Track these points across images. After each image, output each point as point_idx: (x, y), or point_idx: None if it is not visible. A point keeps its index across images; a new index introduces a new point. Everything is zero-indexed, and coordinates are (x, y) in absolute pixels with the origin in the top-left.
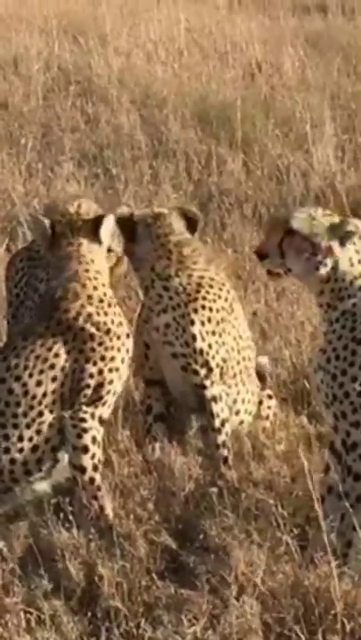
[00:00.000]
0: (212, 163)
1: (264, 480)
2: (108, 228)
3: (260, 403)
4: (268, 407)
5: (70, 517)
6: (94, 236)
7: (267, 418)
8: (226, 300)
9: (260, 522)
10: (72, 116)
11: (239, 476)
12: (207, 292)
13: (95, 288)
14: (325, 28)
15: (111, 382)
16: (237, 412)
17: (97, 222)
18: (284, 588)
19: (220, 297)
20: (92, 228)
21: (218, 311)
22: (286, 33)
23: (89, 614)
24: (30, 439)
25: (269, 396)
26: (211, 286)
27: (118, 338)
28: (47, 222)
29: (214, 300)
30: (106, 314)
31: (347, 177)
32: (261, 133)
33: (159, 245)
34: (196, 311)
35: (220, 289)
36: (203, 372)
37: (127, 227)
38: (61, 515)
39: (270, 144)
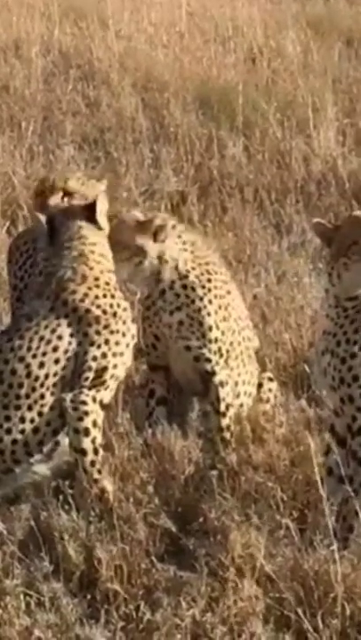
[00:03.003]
0: (213, 146)
1: (264, 463)
2: (103, 210)
3: (261, 385)
4: (269, 390)
5: (70, 500)
6: (92, 221)
7: (267, 401)
8: (226, 283)
9: (259, 505)
10: (73, 99)
11: (239, 460)
12: (216, 280)
13: (102, 272)
14: (327, 12)
15: (115, 367)
16: (238, 395)
17: (92, 208)
18: (283, 571)
19: (224, 282)
20: (89, 214)
21: (223, 297)
22: (288, 17)
23: (88, 597)
24: (32, 420)
25: (270, 379)
26: (216, 272)
27: (124, 322)
28: (43, 218)
29: (221, 287)
30: (113, 297)
31: (348, 161)
32: (263, 117)
33: (182, 243)
34: (210, 302)
35: (221, 273)
36: (215, 358)
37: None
38: (61, 497)
39: (272, 128)
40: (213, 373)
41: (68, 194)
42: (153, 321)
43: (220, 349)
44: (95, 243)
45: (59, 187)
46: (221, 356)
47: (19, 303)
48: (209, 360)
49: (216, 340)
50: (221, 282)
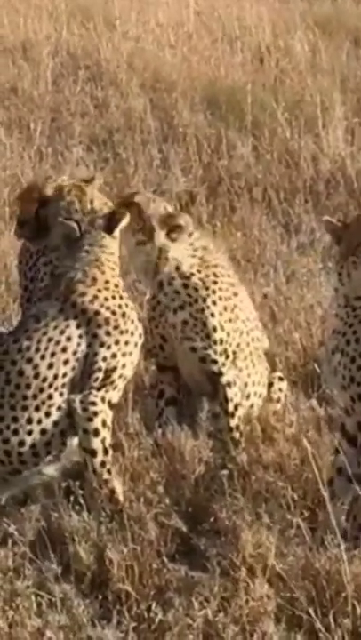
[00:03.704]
0: (221, 146)
1: (274, 463)
2: (123, 225)
3: (271, 385)
4: (280, 389)
5: (81, 501)
6: (109, 231)
7: (277, 400)
8: (233, 285)
9: (270, 504)
10: (81, 100)
11: (249, 459)
12: (221, 282)
13: (113, 275)
14: (335, 12)
15: (124, 366)
16: (248, 396)
17: (112, 218)
18: (294, 570)
19: (230, 284)
20: (107, 224)
21: (230, 298)
22: (296, 16)
23: (100, 597)
24: (39, 422)
25: (280, 378)
26: (222, 275)
27: (132, 322)
28: (75, 225)
29: (227, 289)
30: (121, 297)
31: (356, 160)
32: (271, 117)
33: (193, 250)
34: (215, 303)
35: (229, 275)
36: (221, 359)
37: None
38: (72, 498)
39: (280, 128)
40: (220, 374)
41: (46, 201)
42: (159, 321)
43: (225, 351)
44: (113, 253)
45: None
46: (227, 357)
47: (29, 304)
48: (215, 361)
49: (221, 342)
50: (228, 284)
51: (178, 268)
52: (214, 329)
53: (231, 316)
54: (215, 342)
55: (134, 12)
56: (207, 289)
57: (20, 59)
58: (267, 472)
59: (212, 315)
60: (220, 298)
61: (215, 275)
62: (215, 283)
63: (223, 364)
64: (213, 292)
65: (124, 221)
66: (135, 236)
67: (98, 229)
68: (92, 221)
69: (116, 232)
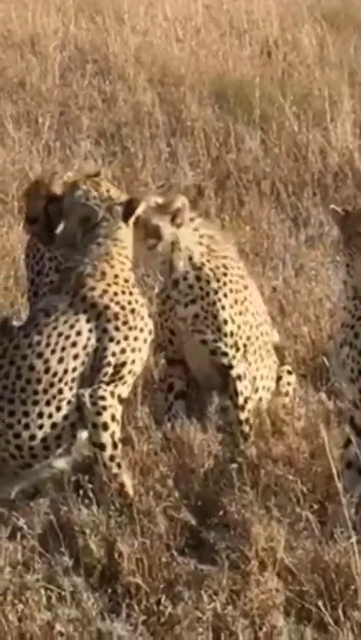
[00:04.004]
0: (229, 140)
1: (283, 456)
2: (140, 213)
3: (280, 379)
4: (288, 383)
5: (90, 494)
6: (126, 219)
7: (286, 394)
8: (243, 277)
9: (279, 498)
10: (89, 94)
11: (258, 453)
12: (232, 275)
13: (122, 269)
14: (342, 5)
15: (133, 362)
16: (256, 389)
17: (130, 207)
18: (304, 563)
19: (240, 276)
20: (125, 211)
21: (240, 291)
22: (303, 10)
23: (109, 591)
24: (50, 416)
25: (289, 372)
26: (232, 267)
27: (142, 318)
28: (96, 208)
29: (237, 282)
30: (131, 293)
31: None
32: (279, 111)
33: (199, 236)
34: (226, 296)
35: (239, 267)
36: (232, 352)
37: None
38: (81, 492)
39: (288, 121)
40: (230, 367)
41: (53, 198)
42: (169, 315)
43: (236, 343)
44: (126, 246)
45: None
46: (238, 349)
47: (36, 298)
48: (225, 354)
49: (232, 334)
50: (238, 276)
51: (190, 259)
52: (225, 322)
53: (241, 309)
54: (226, 335)
55: (142, 6)
56: (218, 281)
57: (28, 53)
58: (276, 465)
59: (223, 307)
60: (231, 290)
61: (225, 267)
62: (225, 275)
63: (234, 357)
64: (224, 284)
65: (141, 209)
66: (145, 244)
67: (115, 217)
68: (109, 208)
69: (131, 220)
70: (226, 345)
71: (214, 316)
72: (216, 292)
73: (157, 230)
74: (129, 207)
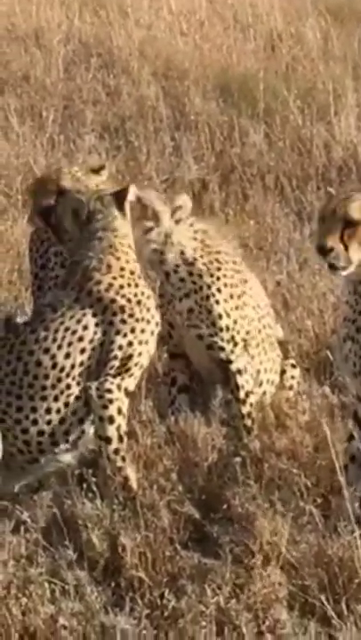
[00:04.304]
0: (233, 134)
1: (287, 450)
2: (132, 197)
3: (284, 372)
4: (292, 377)
5: (94, 488)
6: (120, 209)
7: (290, 388)
8: (239, 272)
9: (283, 492)
10: (93, 88)
11: (262, 447)
12: (226, 269)
13: (127, 261)
14: None
15: (140, 354)
16: (260, 384)
17: (121, 195)
18: (307, 557)
19: (236, 271)
20: (119, 202)
21: (237, 286)
22: (308, 3)
23: (113, 584)
24: (58, 411)
25: (293, 366)
26: (227, 262)
27: (148, 310)
28: (85, 200)
29: (232, 276)
30: (137, 285)
31: None
32: (283, 104)
33: (193, 232)
34: (219, 291)
35: (234, 262)
36: (229, 347)
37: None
38: (85, 485)
39: (292, 115)
40: (229, 362)
41: (62, 192)
42: (167, 309)
43: (233, 338)
44: (126, 235)
45: (53, 186)
46: (236, 344)
47: (40, 292)
48: (222, 348)
49: (228, 329)
50: (232, 270)
51: (182, 253)
52: (220, 316)
53: (238, 304)
54: (221, 329)
55: (146, 0)
56: (212, 276)
57: (32, 47)
58: (280, 459)
59: (218, 302)
60: (226, 285)
61: (219, 261)
62: (219, 269)
63: (232, 352)
64: (218, 278)
65: (132, 194)
66: (141, 225)
67: (108, 207)
68: (100, 198)
69: (127, 207)
70: (222, 340)
71: (208, 310)
72: (209, 287)
73: (157, 215)
74: (120, 194)
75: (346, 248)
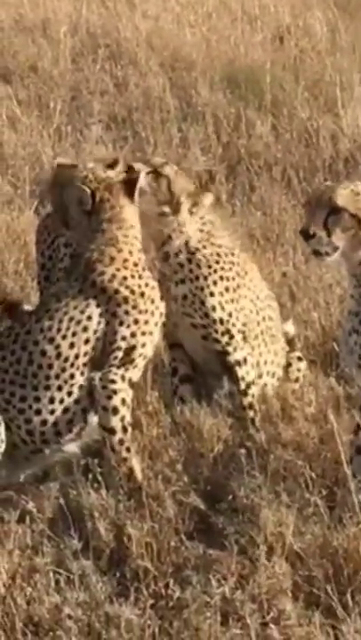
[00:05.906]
0: (241, 126)
1: (293, 441)
2: (142, 185)
3: (290, 365)
4: (298, 370)
5: (99, 478)
6: (130, 197)
7: (296, 380)
8: (238, 264)
9: (288, 483)
10: (101, 79)
11: (268, 438)
12: (224, 262)
13: (131, 253)
14: None
15: (144, 345)
16: (260, 375)
17: (131, 182)
18: (312, 548)
19: (233, 263)
20: (129, 190)
21: (233, 279)
22: None
23: (118, 574)
24: (62, 401)
25: (299, 359)
26: (226, 254)
27: (152, 301)
28: (88, 190)
29: (230, 269)
30: (140, 277)
31: None
32: (291, 96)
33: (202, 223)
34: (215, 283)
35: (233, 254)
36: (224, 339)
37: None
38: (90, 476)
39: (299, 107)
40: (227, 353)
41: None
42: (163, 295)
43: (228, 331)
44: (133, 225)
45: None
46: (232, 337)
47: (47, 282)
48: (217, 340)
49: (222, 322)
50: (231, 263)
51: (187, 243)
52: (213, 308)
53: (234, 297)
54: (215, 322)
55: None
56: (209, 267)
57: (39, 37)
58: (285, 451)
59: (212, 294)
60: (222, 278)
61: (218, 254)
62: (218, 262)
63: (228, 344)
64: (215, 271)
65: (141, 181)
66: (159, 207)
67: (116, 196)
68: (108, 187)
69: (136, 196)
70: (217, 332)
71: (202, 301)
72: (206, 278)
73: (179, 207)
74: (130, 182)
75: (329, 234)
